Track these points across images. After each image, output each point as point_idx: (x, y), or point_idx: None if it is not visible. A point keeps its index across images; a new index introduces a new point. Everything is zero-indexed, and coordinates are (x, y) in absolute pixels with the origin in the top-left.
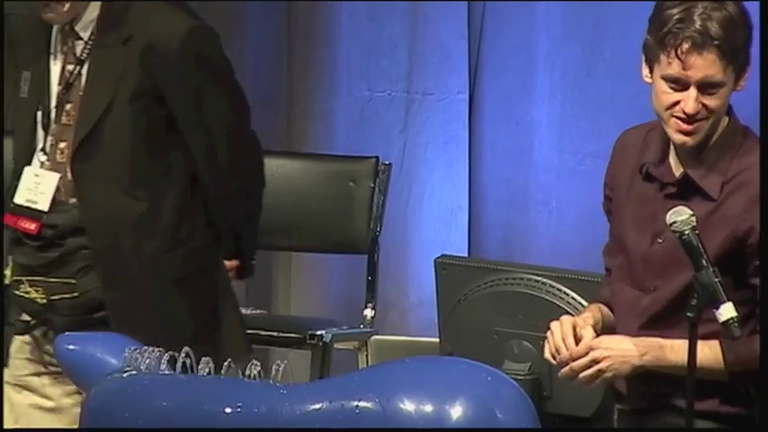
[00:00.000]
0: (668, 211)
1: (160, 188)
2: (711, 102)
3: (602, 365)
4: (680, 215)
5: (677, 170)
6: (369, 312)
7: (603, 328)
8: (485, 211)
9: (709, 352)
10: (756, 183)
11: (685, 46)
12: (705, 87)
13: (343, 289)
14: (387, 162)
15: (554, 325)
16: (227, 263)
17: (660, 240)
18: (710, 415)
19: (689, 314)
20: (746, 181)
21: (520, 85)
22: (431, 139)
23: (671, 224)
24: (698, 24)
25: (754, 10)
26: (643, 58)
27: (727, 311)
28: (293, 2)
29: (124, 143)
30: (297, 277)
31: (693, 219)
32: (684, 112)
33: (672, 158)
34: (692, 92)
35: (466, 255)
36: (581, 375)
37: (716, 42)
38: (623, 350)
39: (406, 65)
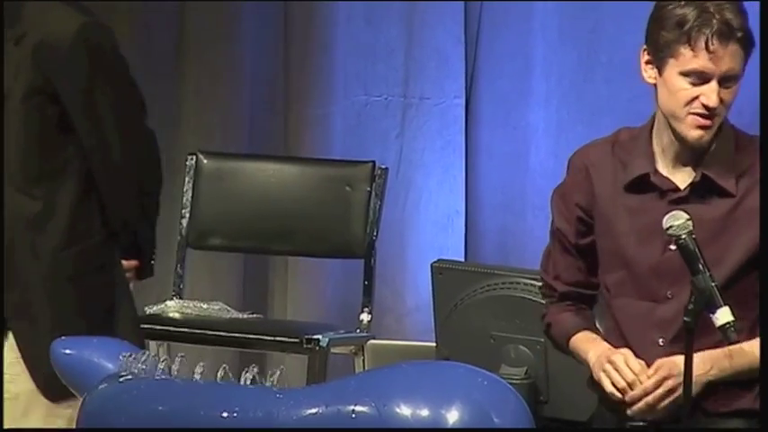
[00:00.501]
0: None
1: (55, 186)
2: (727, 96)
3: (678, 392)
4: (676, 219)
5: (676, 176)
6: (365, 317)
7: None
8: (481, 216)
9: (755, 350)
10: None
11: (714, 38)
12: (724, 81)
13: (339, 293)
14: (383, 166)
15: (618, 359)
16: (126, 263)
17: (673, 247)
18: (745, 413)
19: (686, 319)
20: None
21: (517, 89)
22: (427, 143)
23: (667, 229)
24: (718, 17)
25: (753, 10)
26: (645, 59)
27: (723, 316)
28: (289, 6)
29: (18, 142)
30: (293, 281)
31: (690, 223)
32: (707, 107)
33: (663, 167)
34: (714, 85)
35: (462, 259)
36: (659, 406)
37: (738, 34)
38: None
39: (403, 69)
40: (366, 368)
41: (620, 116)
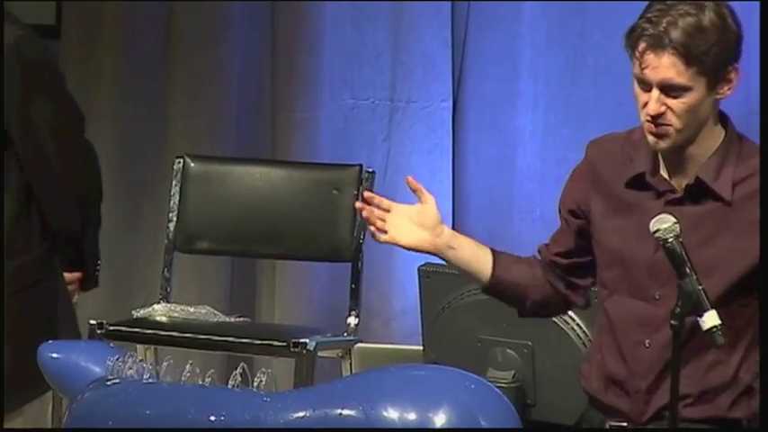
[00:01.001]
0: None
1: None
2: (676, 105)
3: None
4: (663, 223)
5: (673, 179)
6: (353, 320)
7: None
8: (469, 219)
9: None
10: None
11: (641, 45)
12: (667, 89)
13: (326, 297)
14: (371, 170)
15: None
16: (69, 275)
17: None
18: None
19: (672, 322)
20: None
21: (504, 92)
22: (414, 147)
23: (654, 232)
24: (660, 27)
25: (754, 10)
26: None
27: (710, 319)
28: (277, 9)
29: None
30: (280, 285)
31: (677, 227)
32: (649, 114)
33: (663, 169)
34: (654, 92)
35: None
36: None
37: (672, 45)
38: None
39: (390, 73)
40: (353, 372)
41: (608, 119)
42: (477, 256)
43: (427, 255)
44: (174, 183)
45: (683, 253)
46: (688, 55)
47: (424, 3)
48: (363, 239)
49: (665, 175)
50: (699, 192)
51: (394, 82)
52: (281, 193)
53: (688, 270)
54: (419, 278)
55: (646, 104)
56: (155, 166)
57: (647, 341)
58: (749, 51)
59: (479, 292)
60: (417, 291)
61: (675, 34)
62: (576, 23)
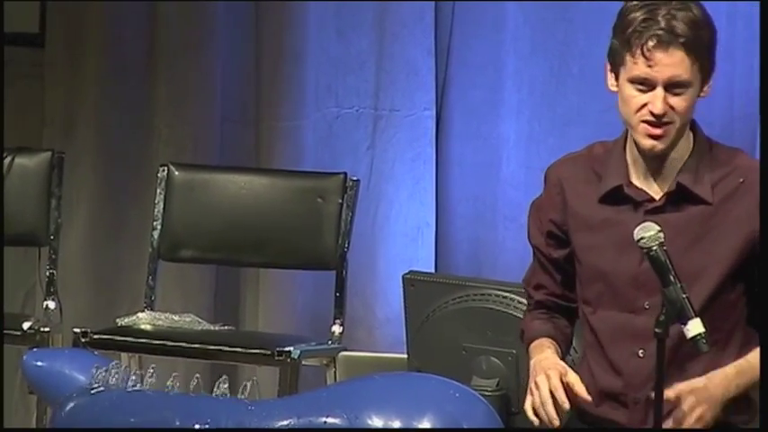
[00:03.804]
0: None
1: None
2: (678, 103)
3: (706, 420)
4: (647, 231)
5: (650, 186)
6: (337, 329)
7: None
8: (452, 228)
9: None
10: (754, 184)
11: (651, 43)
12: (672, 87)
13: (310, 305)
14: (355, 178)
15: (540, 380)
16: None
17: None
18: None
19: (656, 330)
20: (741, 183)
21: (488, 101)
22: (398, 155)
23: (638, 240)
24: (663, 23)
25: (754, 10)
26: (608, 66)
27: (694, 327)
28: (261, 18)
29: None
30: (264, 293)
31: (661, 235)
32: (653, 113)
33: (636, 178)
34: (659, 91)
35: (433, 271)
36: (686, 425)
37: (681, 40)
38: (711, 395)
39: (374, 81)
40: (338, 380)
41: (592, 127)
42: None
43: (411, 262)
44: (158, 191)
45: (667, 261)
46: (695, 49)
47: (408, 11)
48: (347, 248)
49: (640, 185)
50: (680, 197)
51: (378, 90)
52: (266, 201)
53: (672, 278)
54: (403, 286)
55: (643, 106)
56: (138, 173)
57: (640, 351)
58: (733, 58)
59: (463, 300)
60: (402, 299)
61: (681, 28)
62: (560, 31)
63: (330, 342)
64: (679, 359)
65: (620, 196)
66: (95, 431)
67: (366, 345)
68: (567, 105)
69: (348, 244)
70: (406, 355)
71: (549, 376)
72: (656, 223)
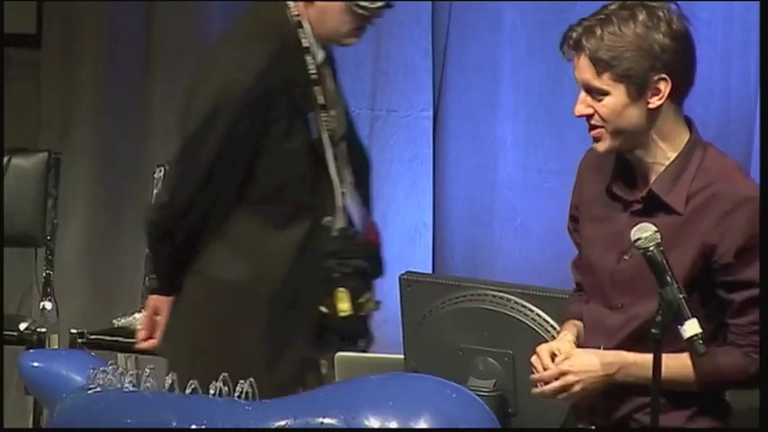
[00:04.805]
0: (633, 228)
1: None
2: (599, 108)
3: (569, 378)
4: (644, 232)
5: (635, 188)
6: None
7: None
8: (449, 229)
9: (674, 365)
10: (723, 198)
11: (564, 45)
12: (589, 91)
13: None
14: None
15: (541, 349)
16: None
17: (626, 257)
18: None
19: (653, 330)
20: (713, 196)
21: (484, 102)
22: (395, 156)
23: (635, 241)
24: (579, 30)
25: (750, 11)
26: None
27: (691, 328)
28: None
29: None
30: None
31: (658, 235)
32: (574, 113)
33: (626, 178)
34: (581, 94)
35: (430, 272)
36: (547, 387)
37: (583, 49)
38: (589, 366)
39: (371, 82)
40: (334, 381)
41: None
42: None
43: (408, 263)
44: (154, 191)
45: (664, 262)
46: (597, 60)
47: (405, 12)
48: None
49: (627, 186)
50: (652, 204)
51: (374, 91)
52: None
53: (669, 279)
54: (400, 287)
55: None
56: (135, 174)
57: (602, 347)
58: (730, 59)
59: (460, 300)
60: (398, 300)
61: (587, 39)
62: (557, 32)
63: None
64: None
65: (613, 194)
66: (93, 431)
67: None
68: (563, 106)
69: None
70: (402, 356)
71: (540, 352)
72: (636, 224)
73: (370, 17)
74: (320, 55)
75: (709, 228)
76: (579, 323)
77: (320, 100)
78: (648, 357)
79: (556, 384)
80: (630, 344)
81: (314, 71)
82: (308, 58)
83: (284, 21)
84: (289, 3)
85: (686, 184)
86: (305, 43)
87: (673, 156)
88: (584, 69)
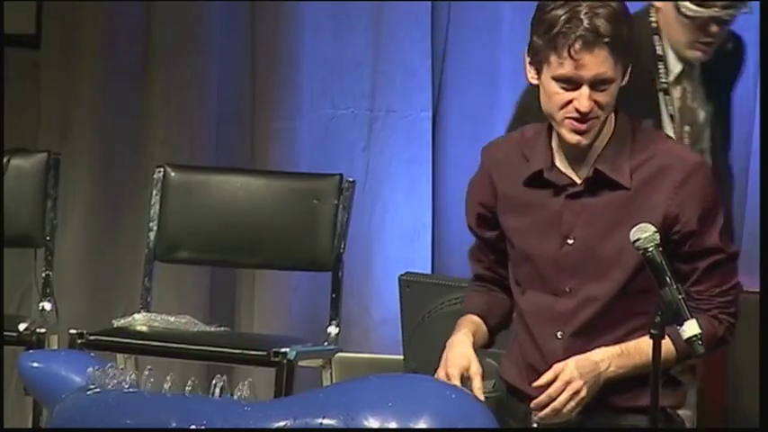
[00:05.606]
0: (573, 211)
1: None
2: (602, 98)
3: (575, 384)
4: (643, 232)
5: (573, 171)
6: (333, 330)
7: (479, 342)
8: (448, 229)
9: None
10: (674, 169)
11: (577, 45)
12: (596, 84)
13: (306, 306)
14: (351, 179)
15: (442, 377)
16: None
17: (570, 241)
18: (646, 410)
19: (652, 331)
20: (661, 168)
21: (484, 103)
22: (394, 156)
23: (634, 241)
24: (586, 23)
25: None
26: (528, 59)
27: (690, 328)
28: (256, 19)
29: None
30: (260, 294)
31: (657, 236)
32: (579, 111)
33: (560, 162)
34: (585, 90)
35: (429, 273)
36: (565, 409)
37: (606, 39)
38: (588, 367)
39: (370, 83)
40: (334, 381)
41: None
42: (483, 337)
43: (407, 264)
44: (154, 192)
45: (664, 262)
46: (618, 46)
47: (404, 12)
48: (343, 249)
49: (563, 170)
50: (598, 183)
51: (374, 92)
52: (261, 202)
53: (668, 279)
54: (399, 288)
55: (568, 103)
56: (134, 174)
57: (558, 333)
58: None
59: (460, 301)
60: (397, 300)
61: (605, 28)
62: None
63: (326, 343)
64: (591, 335)
65: (542, 180)
66: (93, 431)
67: (362, 346)
68: None
69: (344, 245)
70: (402, 357)
71: (450, 375)
72: (574, 208)
73: (710, 32)
74: (677, 67)
75: (666, 199)
76: (477, 319)
77: (668, 110)
78: (628, 344)
79: (565, 395)
80: (591, 329)
81: (664, 80)
82: (660, 66)
83: (644, 26)
84: (651, 7)
85: (626, 160)
86: (659, 51)
87: (609, 135)
88: (601, 62)
